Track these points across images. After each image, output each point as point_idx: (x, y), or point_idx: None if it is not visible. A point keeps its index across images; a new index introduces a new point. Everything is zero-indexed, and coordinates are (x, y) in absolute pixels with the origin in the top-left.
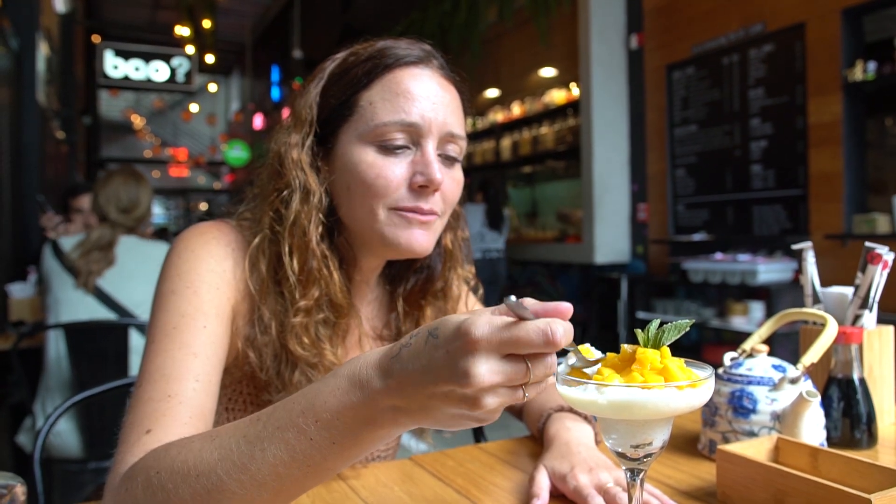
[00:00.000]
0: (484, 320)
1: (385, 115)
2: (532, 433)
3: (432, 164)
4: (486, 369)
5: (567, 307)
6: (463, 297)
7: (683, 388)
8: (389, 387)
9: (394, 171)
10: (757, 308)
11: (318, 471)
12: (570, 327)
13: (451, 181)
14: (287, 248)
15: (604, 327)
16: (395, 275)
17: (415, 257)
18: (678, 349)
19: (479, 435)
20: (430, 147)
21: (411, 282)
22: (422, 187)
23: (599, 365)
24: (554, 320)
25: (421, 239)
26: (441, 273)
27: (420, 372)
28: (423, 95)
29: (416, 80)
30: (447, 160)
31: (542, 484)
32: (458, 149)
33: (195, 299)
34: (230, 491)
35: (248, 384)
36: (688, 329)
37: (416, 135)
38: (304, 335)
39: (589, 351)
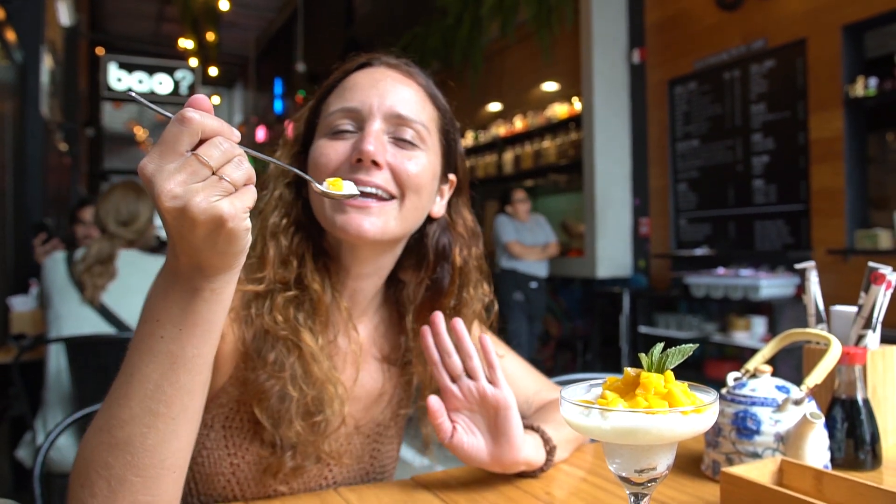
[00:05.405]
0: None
1: (332, 107)
2: None
3: (366, 137)
4: (158, 174)
5: (195, 97)
6: (476, 322)
7: (688, 414)
8: (170, 247)
9: (335, 149)
10: (759, 323)
11: (185, 364)
12: (200, 102)
13: (405, 162)
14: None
15: (606, 342)
16: (406, 295)
17: (359, 242)
18: (680, 366)
19: None
20: (372, 126)
21: (419, 299)
22: (358, 161)
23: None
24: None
25: (357, 220)
26: (449, 289)
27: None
28: (367, 84)
29: (364, 74)
30: (402, 142)
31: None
32: (415, 134)
33: None
34: (131, 423)
35: (245, 404)
36: (691, 353)
37: (359, 119)
38: (277, 312)
39: (338, 183)
